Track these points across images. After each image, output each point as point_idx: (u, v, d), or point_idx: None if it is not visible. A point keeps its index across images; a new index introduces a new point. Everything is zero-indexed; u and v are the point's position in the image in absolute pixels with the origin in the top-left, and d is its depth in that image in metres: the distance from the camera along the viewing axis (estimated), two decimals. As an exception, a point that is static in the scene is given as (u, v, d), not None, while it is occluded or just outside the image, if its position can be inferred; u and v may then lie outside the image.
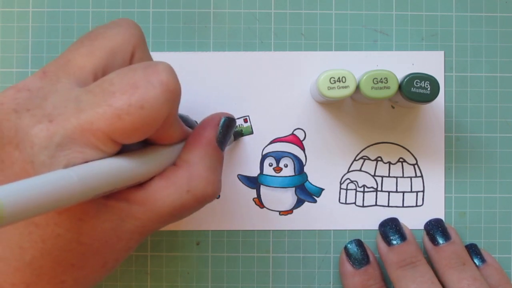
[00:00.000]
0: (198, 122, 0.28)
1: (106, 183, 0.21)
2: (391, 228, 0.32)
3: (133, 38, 0.24)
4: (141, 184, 0.23)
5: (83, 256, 0.22)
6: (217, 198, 0.34)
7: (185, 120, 0.28)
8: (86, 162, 0.21)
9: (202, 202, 0.25)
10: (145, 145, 0.25)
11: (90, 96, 0.21)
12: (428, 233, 0.32)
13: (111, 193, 0.22)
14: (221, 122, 0.26)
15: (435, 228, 0.32)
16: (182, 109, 0.33)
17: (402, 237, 0.32)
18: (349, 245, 0.33)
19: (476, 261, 0.32)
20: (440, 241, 0.32)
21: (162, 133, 0.24)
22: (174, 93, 0.22)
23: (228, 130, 0.27)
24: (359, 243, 0.33)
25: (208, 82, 0.34)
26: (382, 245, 0.32)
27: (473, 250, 0.32)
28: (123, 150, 0.23)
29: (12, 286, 0.22)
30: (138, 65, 0.22)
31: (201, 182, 0.24)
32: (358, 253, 0.32)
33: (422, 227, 0.33)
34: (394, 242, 0.32)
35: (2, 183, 0.19)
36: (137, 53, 0.24)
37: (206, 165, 0.25)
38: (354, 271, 0.32)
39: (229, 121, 0.27)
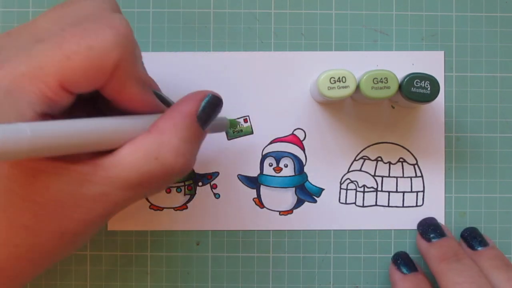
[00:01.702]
0: None
1: (63, 145, 0.20)
2: (429, 226, 0.32)
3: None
4: (109, 150, 0.22)
5: (36, 218, 0.21)
6: (217, 198, 0.34)
7: (163, 100, 0.27)
8: (35, 111, 0.20)
9: (171, 174, 0.23)
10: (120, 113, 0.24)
11: (41, 44, 0.21)
12: (465, 240, 0.33)
13: (73, 155, 0.21)
14: (206, 99, 0.25)
15: (473, 235, 0.32)
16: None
17: (441, 233, 0.32)
18: (396, 254, 0.33)
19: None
20: (479, 247, 0.32)
21: (121, 90, 0.23)
22: (124, 37, 0.21)
23: (213, 109, 0.26)
24: (406, 253, 0.33)
25: (208, 82, 0.33)
26: (422, 242, 0.32)
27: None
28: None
29: None
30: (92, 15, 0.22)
31: (171, 151, 0.23)
32: (405, 260, 0.32)
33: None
34: (434, 238, 0.32)
35: None
36: None
37: (180, 136, 0.23)
38: (403, 276, 0.32)
39: (214, 99, 0.26)
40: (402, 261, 0.32)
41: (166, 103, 0.27)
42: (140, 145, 0.22)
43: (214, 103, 0.26)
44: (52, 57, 0.20)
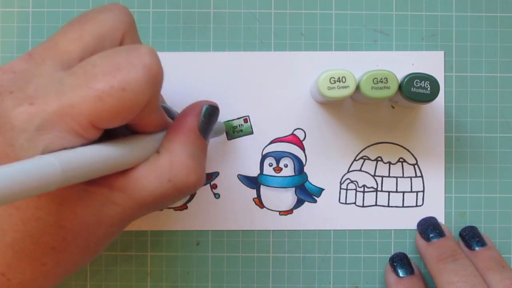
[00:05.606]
0: None
1: (89, 171, 0.21)
2: (429, 226, 0.33)
3: (123, 24, 0.24)
4: (124, 171, 0.23)
5: (64, 240, 0.22)
6: (217, 198, 0.34)
7: (167, 111, 0.27)
8: (65, 148, 0.21)
9: (184, 192, 0.24)
10: (128, 132, 0.25)
11: (72, 78, 0.21)
12: (464, 239, 0.33)
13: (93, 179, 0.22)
14: (203, 110, 0.26)
15: (471, 235, 0.33)
16: (182, 109, 0.33)
17: (441, 233, 0.32)
18: (393, 255, 0.33)
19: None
20: (477, 247, 0.32)
21: (143, 118, 0.23)
22: (156, 77, 0.22)
23: (211, 119, 0.26)
24: (404, 255, 0.33)
25: (208, 82, 0.34)
26: (421, 242, 0.32)
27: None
28: (106, 136, 0.23)
29: None
30: (122, 47, 0.22)
31: (182, 171, 0.24)
32: (402, 262, 0.33)
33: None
34: (433, 238, 0.32)
35: None
36: (126, 39, 0.24)
37: (188, 153, 0.24)
38: (398, 280, 0.32)
39: (212, 109, 0.27)
40: (399, 263, 0.33)
41: (170, 114, 0.27)
42: (152, 168, 0.24)
43: (212, 113, 0.27)
44: (84, 97, 0.20)
